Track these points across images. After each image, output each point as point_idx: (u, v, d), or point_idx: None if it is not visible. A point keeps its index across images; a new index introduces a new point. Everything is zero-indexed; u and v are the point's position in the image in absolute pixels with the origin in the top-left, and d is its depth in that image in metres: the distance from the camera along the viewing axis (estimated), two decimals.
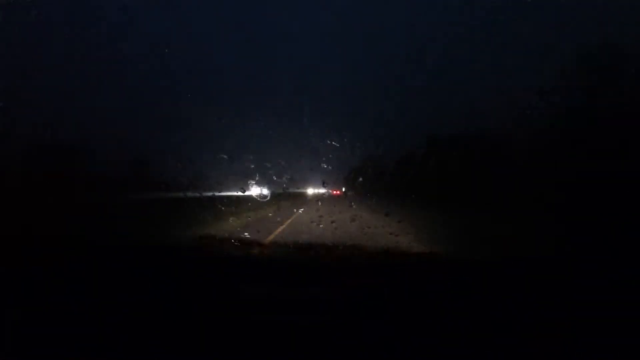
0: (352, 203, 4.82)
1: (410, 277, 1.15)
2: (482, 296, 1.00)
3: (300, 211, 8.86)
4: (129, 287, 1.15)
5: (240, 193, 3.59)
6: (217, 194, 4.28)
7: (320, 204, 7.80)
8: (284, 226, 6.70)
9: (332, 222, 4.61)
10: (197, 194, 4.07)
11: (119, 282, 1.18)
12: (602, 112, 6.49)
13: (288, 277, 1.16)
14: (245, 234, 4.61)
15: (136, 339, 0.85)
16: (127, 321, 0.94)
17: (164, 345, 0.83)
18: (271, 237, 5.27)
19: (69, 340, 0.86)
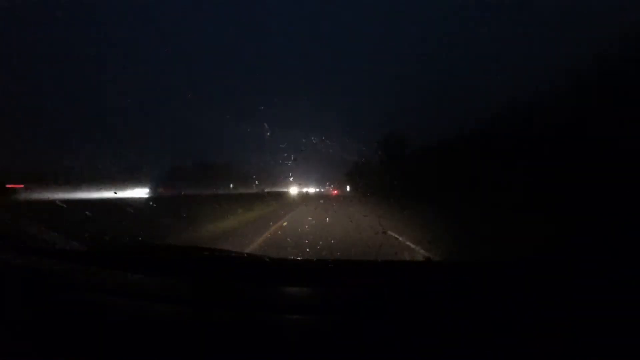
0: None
1: (410, 277, 1.15)
2: (482, 296, 1.00)
3: None
4: (127, 286, 1.15)
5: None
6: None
7: None
8: None
9: None
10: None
11: (116, 280, 1.18)
12: (604, 111, 6.48)
13: (288, 277, 1.16)
14: None
15: (136, 340, 0.85)
16: (126, 321, 0.94)
17: (164, 345, 0.83)
18: None
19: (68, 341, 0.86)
